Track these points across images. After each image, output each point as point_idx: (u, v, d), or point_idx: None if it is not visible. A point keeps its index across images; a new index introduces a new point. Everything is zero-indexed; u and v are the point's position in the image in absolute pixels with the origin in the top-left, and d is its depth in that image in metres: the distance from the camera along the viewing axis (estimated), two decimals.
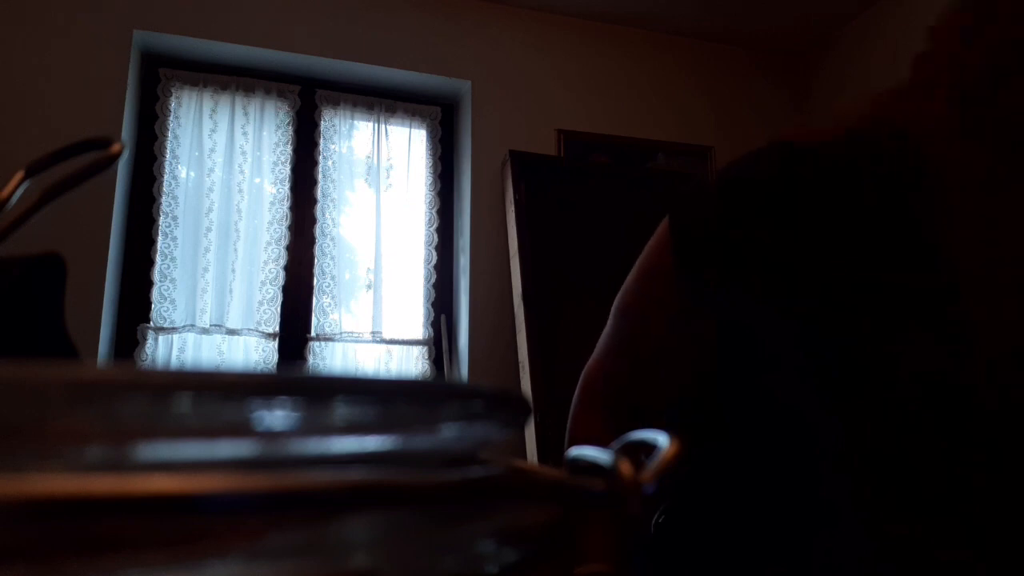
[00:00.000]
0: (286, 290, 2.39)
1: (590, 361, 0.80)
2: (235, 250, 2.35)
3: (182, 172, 2.38)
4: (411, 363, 2.48)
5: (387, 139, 2.60)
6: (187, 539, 0.14)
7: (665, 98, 2.90)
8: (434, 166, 2.65)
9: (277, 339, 2.35)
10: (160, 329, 2.25)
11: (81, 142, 0.38)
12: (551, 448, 2.00)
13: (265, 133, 2.48)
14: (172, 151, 2.37)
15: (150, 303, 2.26)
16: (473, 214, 2.51)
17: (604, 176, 2.64)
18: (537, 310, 2.25)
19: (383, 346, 2.45)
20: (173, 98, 2.42)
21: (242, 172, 2.41)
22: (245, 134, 2.44)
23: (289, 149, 2.49)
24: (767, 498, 0.65)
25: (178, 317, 2.27)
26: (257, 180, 2.45)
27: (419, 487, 0.15)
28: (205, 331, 2.28)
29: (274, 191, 2.46)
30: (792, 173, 0.65)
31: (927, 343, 0.59)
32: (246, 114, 2.47)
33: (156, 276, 2.28)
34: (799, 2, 2.77)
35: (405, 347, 2.48)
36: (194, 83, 2.44)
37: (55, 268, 0.37)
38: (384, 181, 2.57)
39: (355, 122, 2.61)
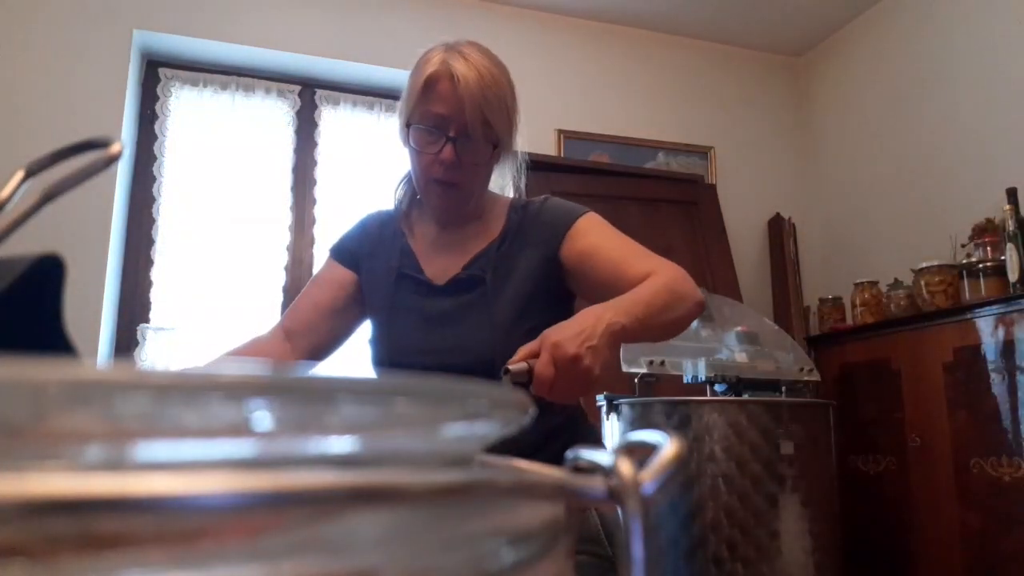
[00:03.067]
0: (286, 290, 2.39)
1: None
2: (235, 250, 2.35)
3: (182, 172, 2.37)
4: None
5: (387, 139, 2.60)
6: (187, 539, 0.14)
7: (665, 98, 2.90)
8: None
9: None
10: (160, 329, 2.25)
11: (81, 142, 0.38)
12: None
13: (265, 133, 2.48)
14: (172, 151, 2.37)
15: (150, 303, 2.26)
16: None
17: (604, 176, 2.64)
18: None
19: None
20: (173, 98, 2.42)
21: (242, 172, 2.41)
22: (245, 134, 2.44)
23: (289, 149, 2.49)
24: None
25: (178, 317, 2.27)
26: (257, 180, 2.45)
27: (419, 487, 0.15)
28: (205, 331, 2.27)
29: (274, 191, 2.46)
30: None
31: None
32: (246, 114, 2.46)
33: (156, 276, 2.28)
34: (799, 2, 2.77)
35: None
36: (194, 83, 2.43)
37: (55, 268, 0.37)
38: (385, 181, 2.56)
39: (355, 122, 2.60)
